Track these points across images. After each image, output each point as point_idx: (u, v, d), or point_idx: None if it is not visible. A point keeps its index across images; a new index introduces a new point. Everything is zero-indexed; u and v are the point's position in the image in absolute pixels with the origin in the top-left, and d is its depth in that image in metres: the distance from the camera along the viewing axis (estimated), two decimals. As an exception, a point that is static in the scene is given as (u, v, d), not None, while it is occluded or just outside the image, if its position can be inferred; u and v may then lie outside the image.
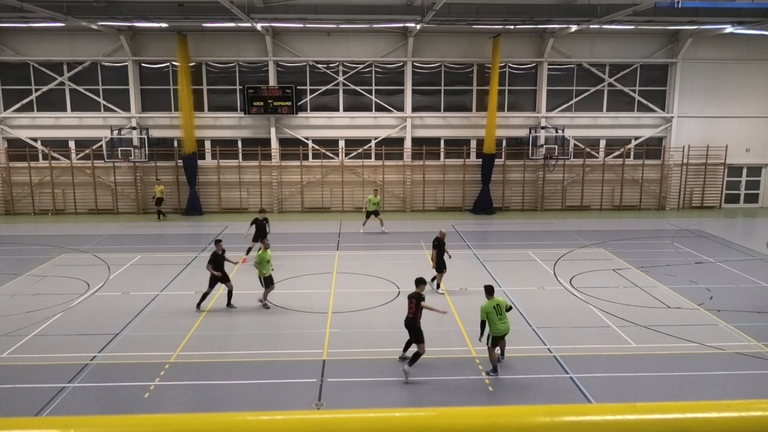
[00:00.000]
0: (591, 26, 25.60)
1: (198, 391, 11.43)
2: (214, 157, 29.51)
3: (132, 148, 28.44)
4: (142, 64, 28.95)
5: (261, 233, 20.01)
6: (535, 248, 22.05)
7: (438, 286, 17.13)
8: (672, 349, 13.27)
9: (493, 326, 11.65)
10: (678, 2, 18.97)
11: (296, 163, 29.59)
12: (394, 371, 12.19)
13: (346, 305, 15.98)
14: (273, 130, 29.21)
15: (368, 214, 24.55)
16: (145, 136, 28.68)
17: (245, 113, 28.77)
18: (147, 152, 28.64)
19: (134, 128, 28.72)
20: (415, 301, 12.11)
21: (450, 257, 17.62)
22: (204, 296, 15.73)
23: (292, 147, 29.52)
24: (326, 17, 25.07)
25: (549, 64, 29.37)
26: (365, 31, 28.29)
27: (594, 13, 23.95)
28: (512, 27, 26.51)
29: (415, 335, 12.04)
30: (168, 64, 28.84)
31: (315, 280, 18.39)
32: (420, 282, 12.57)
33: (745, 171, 31.03)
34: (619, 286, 17.71)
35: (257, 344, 13.49)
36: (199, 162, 29.10)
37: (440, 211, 29.79)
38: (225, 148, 29.37)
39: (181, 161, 28.77)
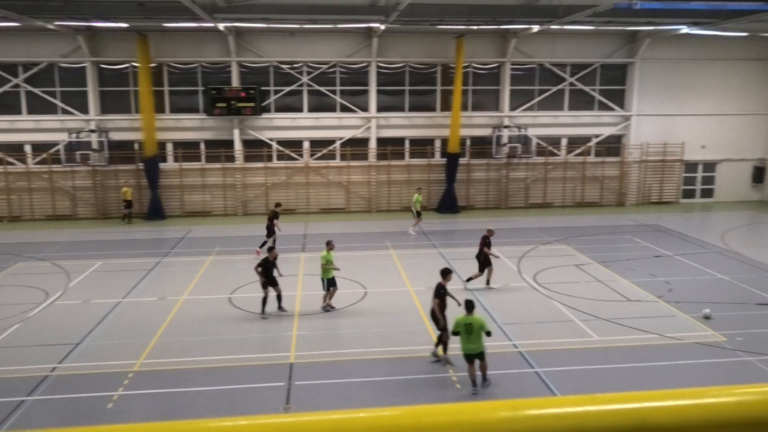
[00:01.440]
0: (552, 27, 26.00)
1: (163, 399, 11.24)
2: (176, 159, 29.04)
3: (91, 152, 27.80)
4: (101, 65, 28.32)
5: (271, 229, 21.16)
6: (499, 246, 22.24)
7: (488, 282, 17.38)
8: (633, 341, 13.57)
9: (461, 343, 11.36)
10: (636, 4, 19.38)
11: (260, 164, 29.33)
12: (361, 372, 12.19)
13: (312, 307, 15.91)
14: (236, 131, 28.90)
15: (417, 214, 24.83)
16: (105, 139, 28.07)
17: (208, 115, 28.39)
18: (107, 156, 28.03)
19: (93, 131, 28.07)
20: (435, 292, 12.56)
21: (497, 257, 17.98)
22: (264, 301, 15.33)
23: (256, 149, 29.26)
24: (290, 17, 24.90)
25: (512, 64, 29.73)
26: (329, 32, 28.21)
27: (555, 14, 24.33)
28: (475, 27, 26.75)
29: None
30: (128, 65, 28.29)
31: (281, 283, 18.22)
32: (444, 273, 12.89)
33: (700, 167, 31.89)
34: (581, 281, 18.03)
35: (223, 349, 13.33)
36: (161, 165, 28.60)
37: (406, 210, 29.87)
38: (187, 150, 28.95)
39: (142, 164, 28.24)
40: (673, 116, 30.91)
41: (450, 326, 11.75)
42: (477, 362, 11.27)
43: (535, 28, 26.32)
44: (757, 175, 31.82)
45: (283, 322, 14.92)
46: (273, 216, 21.68)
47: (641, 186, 31.47)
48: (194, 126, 28.99)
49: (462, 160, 29.74)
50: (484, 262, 17.33)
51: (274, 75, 29.05)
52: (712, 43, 29.94)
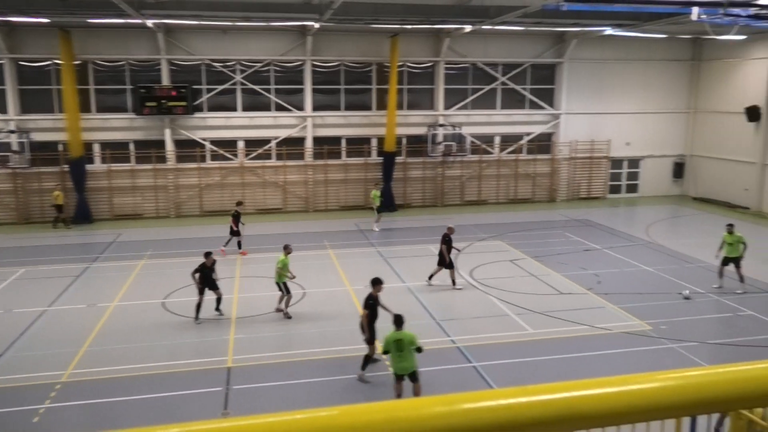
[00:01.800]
0: (484, 27, 26.51)
1: (94, 410, 10.83)
2: (104, 161, 27.97)
3: (11, 154, 26.41)
4: (21, 63, 26.95)
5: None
6: (436, 243, 22.49)
7: (454, 282, 17.30)
8: (565, 332, 14.03)
9: (392, 362, 10.62)
10: (563, 5, 20.00)
11: (193, 165, 28.62)
12: (301, 373, 12.10)
13: (250, 310, 15.68)
14: (168, 131, 28.10)
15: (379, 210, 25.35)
16: (26, 140, 26.72)
17: (137, 114, 27.47)
18: (29, 157, 26.69)
19: (13, 132, 26.67)
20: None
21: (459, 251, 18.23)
22: (198, 307, 14.83)
23: (188, 149, 28.53)
24: (222, 15, 24.41)
25: (445, 64, 30.14)
26: (263, 29, 27.81)
27: (487, 15, 24.83)
28: (409, 27, 26.97)
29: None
30: (50, 62, 27.03)
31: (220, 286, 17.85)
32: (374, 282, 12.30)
33: (626, 163, 33.26)
34: (516, 276, 18.49)
35: (157, 356, 12.95)
36: (88, 167, 27.46)
37: (343, 210, 29.84)
38: (116, 151, 27.92)
39: (67, 166, 27.05)
40: (599, 114, 32.10)
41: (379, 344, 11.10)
42: (407, 384, 10.55)
43: (468, 28, 26.78)
44: (677, 170, 33.46)
45: (220, 326, 14.63)
46: (235, 215, 21.59)
47: (571, 182, 32.53)
48: (123, 126, 28.00)
49: (398, 159, 29.93)
50: (444, 259, 17.37)
51: (206, 73, 28.40)
52: (635, 44, 31.26)
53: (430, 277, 17.62)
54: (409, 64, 30.07)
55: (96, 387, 11.53)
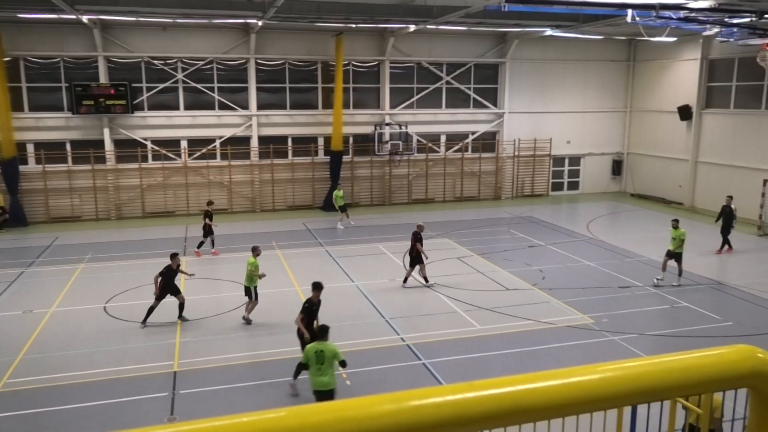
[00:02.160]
0: (428, 26, 26.74)
1: (31, 421, 10.40)
2: (38, 161, 26.86)
3: (-63, 154, 25.07)
4: (-55, 59, 25.59)
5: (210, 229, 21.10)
6: (384, 242, 22.67)
7: (425, 279, 17.31)
8: (512, 327, 14.31)
9: (310, 377, 9.83)
10: (504, 6, 20.36)
11: (134, 165, 27.81)
12: (250, 376, 11.94)
13: (196, 312, 15.36)
14: (106, 130, 27.20)
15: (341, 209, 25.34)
16: (-47, 141, 25.41)
17: (74, 113, 26.49)
18: (-44, 158, 25.39)
19: (-62, 131, 25.31)
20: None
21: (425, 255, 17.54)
22: (150, 311, 14.31)
23: (129, 148, 27.69)
24: (161, 11, 23.75)
25: (391, 63, 30.26)
26: (205, 27, 27.26)
27: (430, 14, 25.05)
28: (354, 26, 26.95)
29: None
30: (-23, 59, 25.76)
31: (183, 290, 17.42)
32: (316, 287, 11.88)
33: (567, 161, 34.18)
34: (463, 273, 18.74)
35: (99, 362, 12.54)
36: (21, 168, 26.31)
37: (291, 209, 29.59)
38: (51, 151, 26.85)
39: (-2, 167, 25.86)
40: (541, 113, 32.86)
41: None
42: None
43: (412, 27, 26.96)
44: (616, 167, 34.60)
45: (165, 330, 14.28)
46: (207, 215, 21.25)
47: (515, 180, 33.19)
48: (58, 125, 26.95)
49: (345, 158, 29.89)
50: (415, 258, 17.28)
51: (146, 71, 27.63)
52: (574, 45, 32.14)
53: (425, 279, 17.35)
54: (354, 63, 30.04)
55: (34, 396, 11.08)
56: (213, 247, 21.32)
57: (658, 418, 6.12)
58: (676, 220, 17.79)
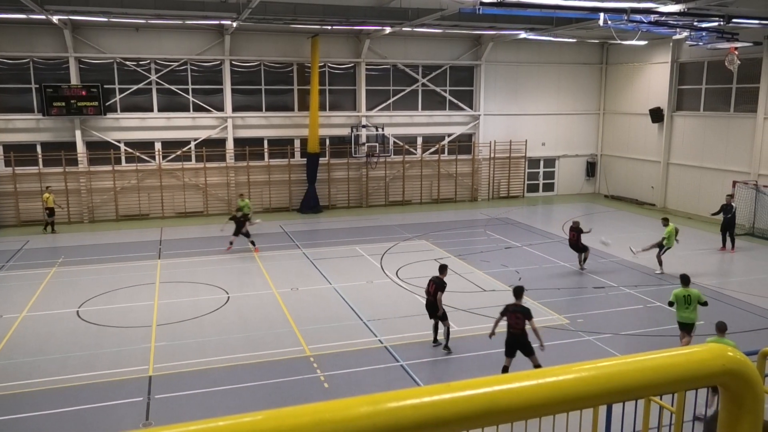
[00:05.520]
0: (404, 29, 26.81)
1: (3, 428, 10.17)
2: (8, 164, 26.32)
3: None
4: None
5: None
6: (362, 244, 22.65)
7: (584, 261, 19.21)
8: (489, 329, 14.36)
9: (678, 312, 12.37)
10: (479, 9, 20.49)
11: (108, 168, 27.41)
12: (227, 379, 11.84)
13: (171, 316, 15.19)
14: (78, 132, 26.77)
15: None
16: None
17: (44, 115, 26.02)
18: None
19: None
20: (435, 286, 12.94)
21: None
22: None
23: (101, 151, 27.28)
24: (133, 12, 23.42)
25: (366, 65, 30.27)
26: (178, 28, 26.99)
27: (406, 17, 25.12)
28: (329, 27, 26.90)
29: (440, 317, 13.02)
30: (-56, 59, 25.19)
31: (135, 293, 17.21)
32: (442, 269, 13.40)
33: (542, 163, 34.51)
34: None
35: (71, 367, 12.33)
36: (-10, 170, 25.81)
37: (267, 212, 29.41)
38: (21, 153, 26.32)
39: (-34, 170, 25.31)
40: (516, 116, 33.14)
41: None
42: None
43: (387, 29, 27.02)
44: (590, 169, 35.04)
45: (139, 334, 14.09)
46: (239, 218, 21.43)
47: (491, 182, 33.42)
48: (28, 127, 26.45)
49: (322, 160, 29.82)
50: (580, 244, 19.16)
51: (119, 72, 27.26)
52: (548, 47, 32.48)
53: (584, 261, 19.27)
54: (330, 65, 30.00)
55: (4, 403, 10.84)
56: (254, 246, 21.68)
57: (632, 417, 6.21)
58: (666, 218, 19.28)
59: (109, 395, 11.15)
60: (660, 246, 18.79)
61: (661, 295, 16.78)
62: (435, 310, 13.04)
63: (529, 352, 11.19)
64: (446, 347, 13.10)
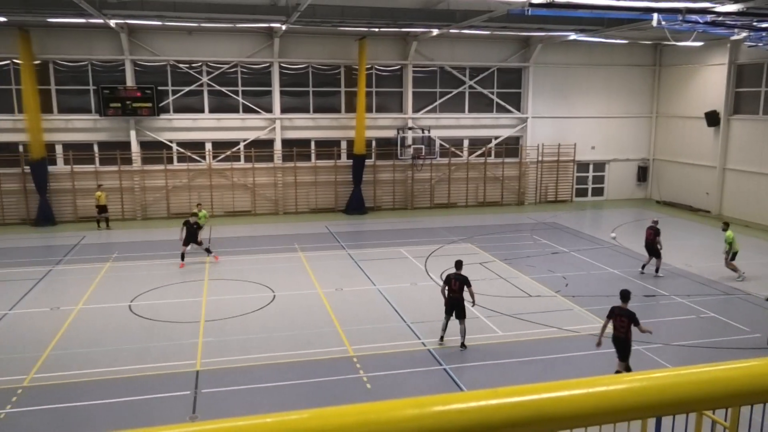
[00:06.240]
0: (451, 31, 26.69)
1: (57, 415, 10.58)
2: (66, 162, 27.37)
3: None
4: (-22, 62, 26.21)
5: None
6: (406, 246, 22.64)
7: (657, 270, 18.76)
8: (534, 335, 14.18)
9: None
10: (528, 10, 20.24)
11: (160, 167, 28.20)
12: (271, 377, 12.01)
13: (219, 313, 15.50)
14: (133, 132, 27.62)
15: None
16: (-15, 141, 25.99)
17: (101, 115, 26.95)
18: (-13, 158, 25.96)
19: (-29, 132, 25.92)
20: (459, 282, 13.01)
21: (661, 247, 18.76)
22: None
23: (155, 150, 28.08)
24: (186, 15, 24.03)
25: (413, 67, 30.26)
26: (229, 31, 27.55)
27: (453, 18, 25.01)
28: (377, 30, 27.00)
29: (461, 316, 13.09)
30: (8, 61, 26.33)
31: (185, 289, 17.65)
32: (458, 264, 13.50)
33: (591, 167, 33.82)
34: (485, 279, 18.62)
35: (123, 359, 12.72)
36: (50, 168, 26.85)
37: (313, 212, 29.72)
38: (79, 152, 27.33)
39: (28, 167, 26.40)
40: (565, 118, 32.58)
41: None
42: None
43: (435, 31, 26.94)
44: (641, 174, 34.16)
45: (188, 329, 14.43)
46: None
47: (538, 185, 32.94)
48: (86, 127, 27.44)
49: (368, 162, 29.94)
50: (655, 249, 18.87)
51: (172, 74, 28.01)
52: (598, 49, 31.83)
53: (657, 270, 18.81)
54: (377, 67, 30.11)
55: (60, 391, 11.26)
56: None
57: (683, 430, 6.02)
58: (727, 223, 18.99)
59: (158, 388, 11.44)
60: (727, 253, 18.44)
61: (715, 305, 16.23)
62: (460, 307, 13.09)
63: (623, 357, 11.43)
64: (463, 345, 13.22)
